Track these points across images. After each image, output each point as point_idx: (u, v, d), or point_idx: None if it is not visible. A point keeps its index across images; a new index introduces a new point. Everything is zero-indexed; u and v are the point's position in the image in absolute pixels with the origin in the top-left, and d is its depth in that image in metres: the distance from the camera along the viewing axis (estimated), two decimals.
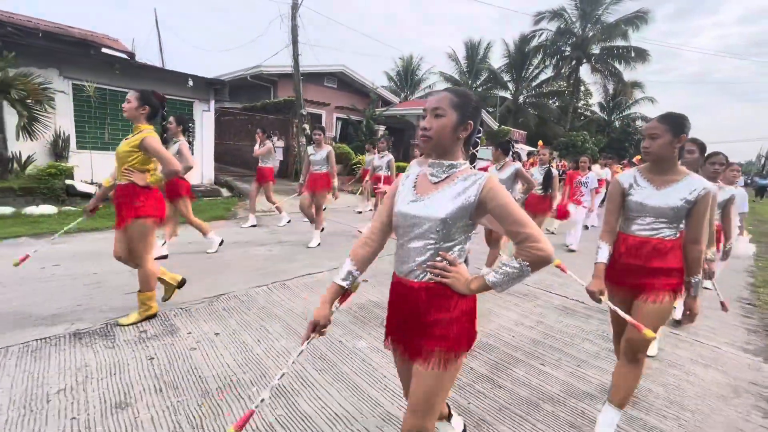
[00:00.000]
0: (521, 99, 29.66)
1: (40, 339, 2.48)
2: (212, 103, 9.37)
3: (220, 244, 4.59)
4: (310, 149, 5.03)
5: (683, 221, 1.80)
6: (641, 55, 25.14)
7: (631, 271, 1.85)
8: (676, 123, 1.72)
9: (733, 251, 3.52)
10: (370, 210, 8.08)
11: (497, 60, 30.18)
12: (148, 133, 2.56)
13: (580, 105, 30.87)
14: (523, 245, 1.11)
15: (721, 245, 3.35)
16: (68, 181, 6.45)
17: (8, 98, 5.61)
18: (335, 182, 5.00)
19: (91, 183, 7.26)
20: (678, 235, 1.81)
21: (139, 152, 2.55)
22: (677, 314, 3.33)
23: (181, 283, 3.08)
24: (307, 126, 10.58)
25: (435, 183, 1.22)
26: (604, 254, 1.90)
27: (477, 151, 1.44)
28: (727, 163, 2.91)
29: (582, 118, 30.46)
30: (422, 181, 1.25)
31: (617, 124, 31.26)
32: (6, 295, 3.10)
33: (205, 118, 9.24)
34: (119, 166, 2.58)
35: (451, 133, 1.18)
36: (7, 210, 5.37)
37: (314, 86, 15.26)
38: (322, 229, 5.29)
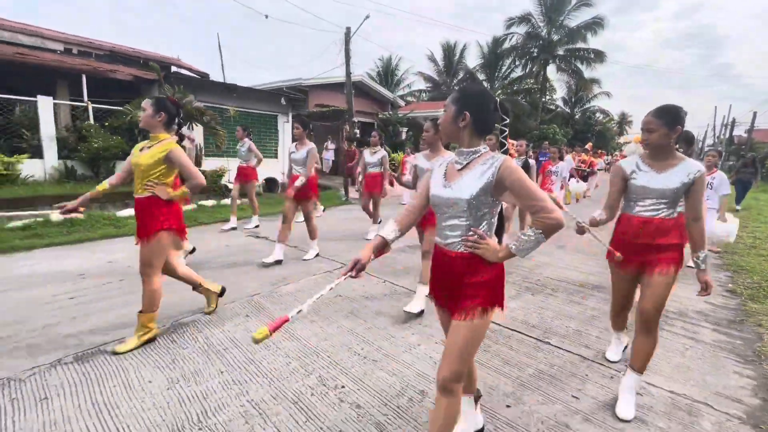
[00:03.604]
0: (496, 96, 33.43)
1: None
2: (290, 115, 11.78)
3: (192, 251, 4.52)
4: (292, 147, 4.56)
5: (680, 202, 2.04)
6: (599, 56, 29.68)
7: (638, 249, 2.09)
8: (670, 117, 1.96)
9: (721, 231, 4.75)
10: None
11: (473, 60, 33.74)
12: (172, 144, 2.51)
13: (546, 100, 35.16)
14: (537, 215, 1.35)
15: None
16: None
17: (203, 122, 7.88)
18: (299, 182, 4.31)
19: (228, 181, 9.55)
20: (676, 215, 2.05)
21: (163, 165, 2.49)
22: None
23: (222, 292, 3.10)
24: (358, 131, 13.20)
25: (459, 169, 1.49)
26: (600, 214, 2.22)
27: (506, 138, 1.56)
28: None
29: (549, 112, 34.80)
30: (451, 168, 1.53)
31: (578, 116, 36.12)
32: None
33: (285, 128, 11.66)
34: (140, 178, 2.50)
35: (451, 124, 1.47)
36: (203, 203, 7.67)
37: (335, 94, 17.74)
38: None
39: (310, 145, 4.43)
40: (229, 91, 9.82)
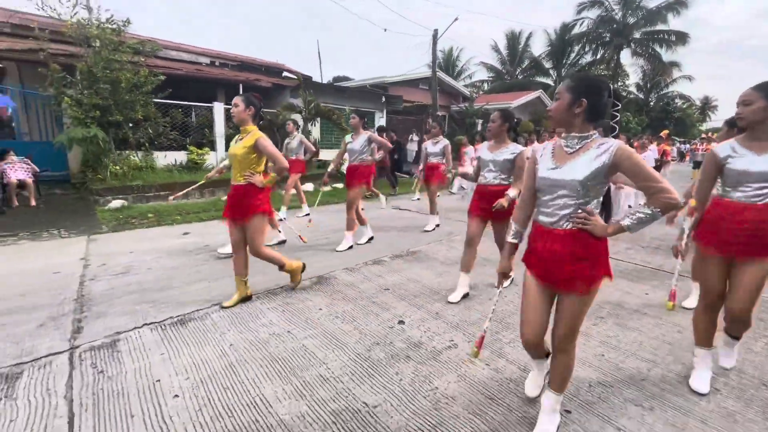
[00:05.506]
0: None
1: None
2: (384, 111, 13.52)
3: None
4: (348, 137, 4.61)
5: None
6: (681, 38, 28.23)
7: (739, 236, 1.98)
8: None
9: None
10: (418, 199, 8.46)
11: (538, 48, 33.52)
12: (259, 134, 2.87)
13: (617, 86, 34.01)
14: (656, 196, 1.48)
15: None
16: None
17: (333, 121, 9.78)
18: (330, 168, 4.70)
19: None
20: None
21: (254, 153, 2.85)
22: None
23: (303, 267, 3.48)
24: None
25: (570, 153, 1.59)
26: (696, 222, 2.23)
27: (616, 122, 2.28)
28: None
29: (622, 99, 33.68)
30: (558, 151, 1.64)
31: (652, 103, 34.45)
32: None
33: (379, 122, 13.42)
34: (238, 168, 2.89)
35: (566, 110, 1.57)
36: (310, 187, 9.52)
37: (411, 89, 19.34)
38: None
39: (368, 133, 4.53)
40: (339, 92, 11.70)
